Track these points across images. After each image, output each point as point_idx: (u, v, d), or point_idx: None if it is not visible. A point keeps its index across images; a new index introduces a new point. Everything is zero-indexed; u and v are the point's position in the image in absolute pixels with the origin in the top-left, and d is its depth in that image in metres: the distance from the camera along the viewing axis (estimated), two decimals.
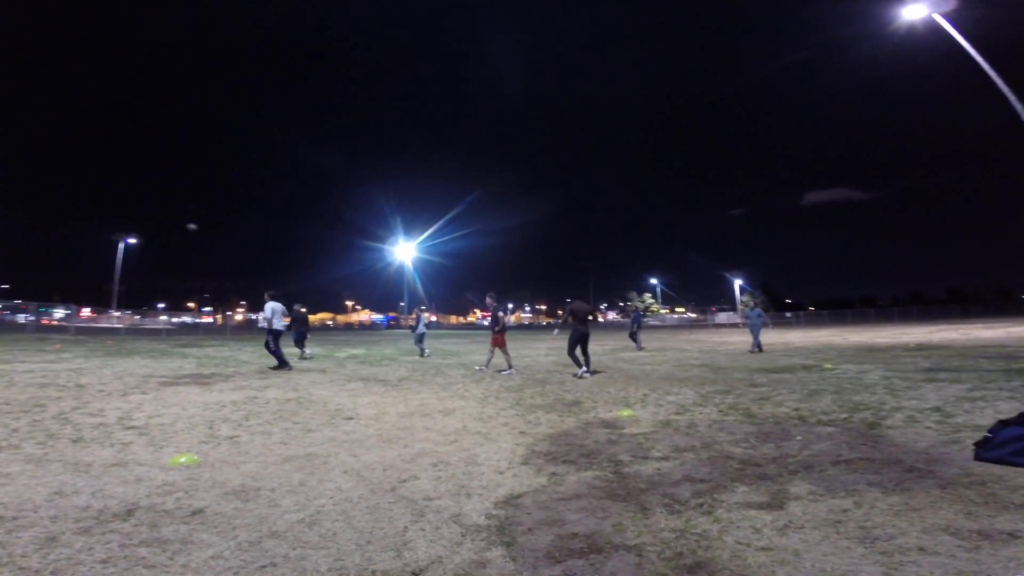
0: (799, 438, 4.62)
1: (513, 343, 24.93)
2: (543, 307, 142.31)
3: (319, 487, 3.45)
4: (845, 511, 2.88)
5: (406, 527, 2.77)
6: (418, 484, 3.52)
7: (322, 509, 3.04)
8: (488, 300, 11.60)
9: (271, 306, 11.55)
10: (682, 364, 12.33)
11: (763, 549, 2.44)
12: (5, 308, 44.73)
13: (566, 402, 6.85)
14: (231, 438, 4.82)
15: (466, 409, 6.42)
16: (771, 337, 25.59)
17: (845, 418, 5.45)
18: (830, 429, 4.96)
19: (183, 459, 4.00)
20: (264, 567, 2.31)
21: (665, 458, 4.07)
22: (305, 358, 14.03)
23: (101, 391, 7.59)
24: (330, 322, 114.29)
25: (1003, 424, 3.79)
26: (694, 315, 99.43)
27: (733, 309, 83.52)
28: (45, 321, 44.35)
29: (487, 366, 11.15)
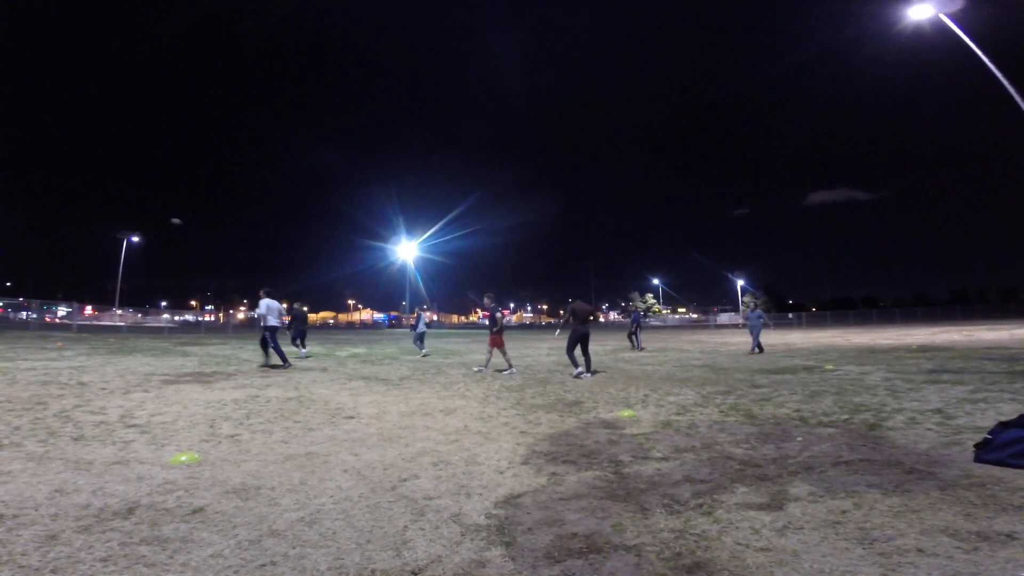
0: (800, 439, 4.62)
1: (515, 343, 24.96)
2: (544, 307, 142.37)
3: (319, 486, 3.46)
4: (844, 512, 2.88)
5: (406, 526, 2.78)
6: (418, 483, 3.52)
7: (322, 508, 3.04)
8: (486, 300, 11.60)
9: (266, 303, 11.61)
10: (683, 365, 12.32)
11: (762, 550, 2.44)
12: (8, 306, 44.89)
13: (567, 402, 6.85)
14: (232, 437, 4.83)
15: (467, 408, 6.43)
16: (772, 338, 25.57)
17: (846, 419, 5.44)
18: (831, 430, 4.96)
19: (184, 457, 4.01)
20: (264, 566, 2.32)
21: (665, 458, 4.08)
22: (301, 357, 14.06)
23: (103, 389, 7.61)
24: (331, 321, 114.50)
25: (1003, 426, 3.79)
26: (695, 315, 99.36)
27: (735, 310, 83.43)
28: (48, 319, 44.52)
29: (486, 366, 11.16)
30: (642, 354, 16.20)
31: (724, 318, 78.98)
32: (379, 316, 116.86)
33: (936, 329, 32.68)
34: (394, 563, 2.36)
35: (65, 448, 4.30)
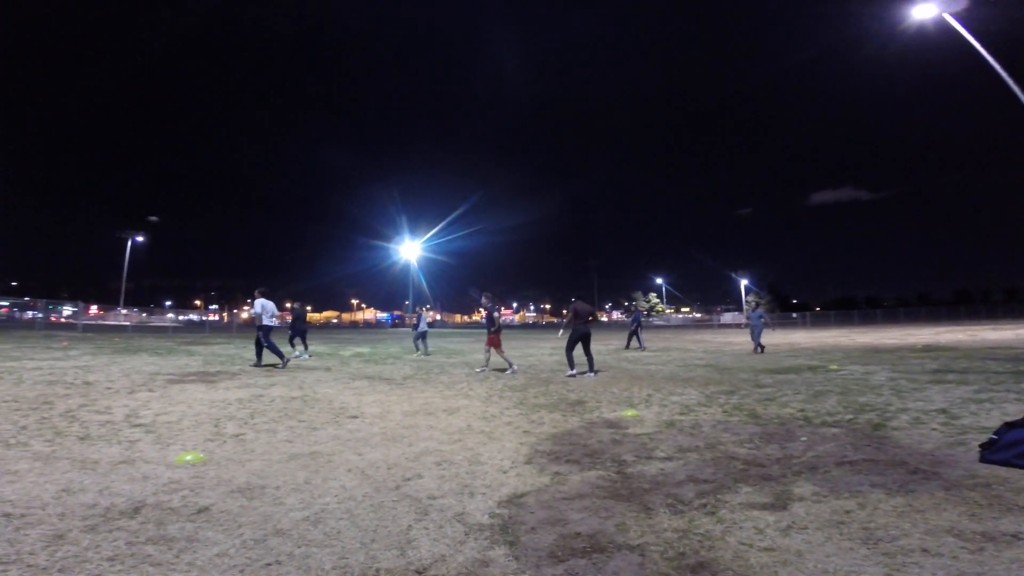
0: (804, 439, 4.61)
1: (517, 342, 24.96)
2: (547, 306, 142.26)
3: (324, 485, 3.47)
4: (848, 512, 2.88)
5: (410, 526, 2.79)
6: (422, 483, 3.53)
7: (327, 507, 3.05)
8: (484, 299, 11.57)
9: (260, 303, 11.68)
10: (687, 364, 12.30)
11: (766, 550, 2.44)
12: (14, 306, 45.10)
13: (570, 402, 6.85)
14: (237, 436, 4.85)
15: (470, 408, 6.44)
16: (776, 338, 25.51)
17: (850, 419, 5.43)
18: (835, 430, 4.95)
19: (189, 457, 4.03)
20: (269, 565, 2.33)
21: (669, 458, 4.08)
22: (297, 356, 14.06)
23: (108, 389, 7.65)
24: (335, 320, 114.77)
25: (1009, 426, 3.78)
26: (699, 315, 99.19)
27: (739, 309, 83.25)
28: (53, 318, 44.67)
29: (487, 366, 11.17)
30: (645, 354, 16.18)
31: (728, 317, 78.84)
32: (382, 315, 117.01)
33: (940, 329, 32.56)
34: (398, 562, 2.37)
35: (71, 447, 4.32)
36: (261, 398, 7.03)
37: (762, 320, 16.15)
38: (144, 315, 52.84)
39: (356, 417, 5.83)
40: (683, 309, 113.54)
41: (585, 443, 4.61)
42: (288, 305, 16.11)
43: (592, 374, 9.82)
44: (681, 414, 5.88)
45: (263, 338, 11.49)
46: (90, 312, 46.86)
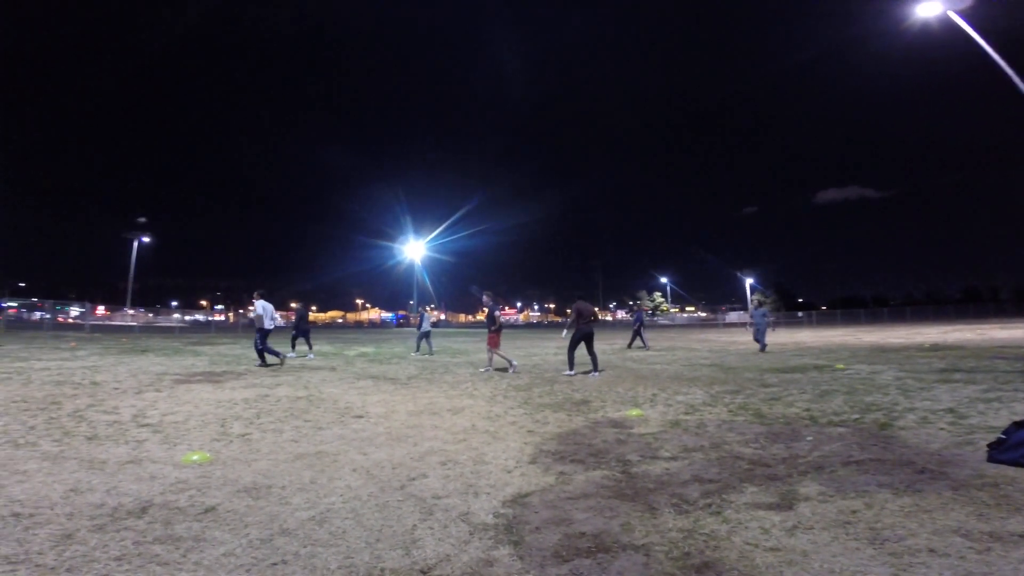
0: (809, 439, 4.60)
1: (522, 341, 24.95)
2: (551, 305, 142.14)
3: (329, 485, 3.48)
4: (855, 512, 2.87)
5: (415, 525, 2.80)
6: (427, 482, 3.54)
7: (332, 507, 3.07)
8: (485, 298, 11.55)
9: (261, 304, 11.73)
10: (692, 364, 12.27)
11: (771, 550, 2.43)
12: (22, 306, 45.42)
13: (574, 401, 6.85)
14: (243, 436, 4.88)
15: (475, 408, 6.44)
16: (782, 337, 25.42)
17: (857, 419, 5.41)
18: (841, 430, 4.93)
19: (196, 457, 4.05)
20: (275, 564, 2.34)
21: (674, 458, 4.07)
22: (291, 357, 14.01)
23: (116, 389, 7.69)
24: (340, 320, 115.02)
25: (1017, 426, 3.75)
26: (704, 314, 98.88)
27: (744, 308, 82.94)
28: (61, 319, 45.00)
29: (491, 365, 11.18)
30: (650, 353, 16.15)
31: (733, 317, 78.56)
32: (387, 315, 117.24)
33: (948, 328, 32.36)
34: (403, 562, 2.37)
35: (79, 447, 4.35)
36: (267, 398, 7.06)
37: (766, 319, 16.09)
38: (151, 315, 53.13)
39: (361, 417, 5.85)
40: (688, 308, 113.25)
41: (590, 443, 4.60)
42: (293, 305, 16.15)
43: (597, 373, 9.81)
44: (686, 414, 5.86)
45: (259, 341, 11.58)
46: (97, 312, 47.17)
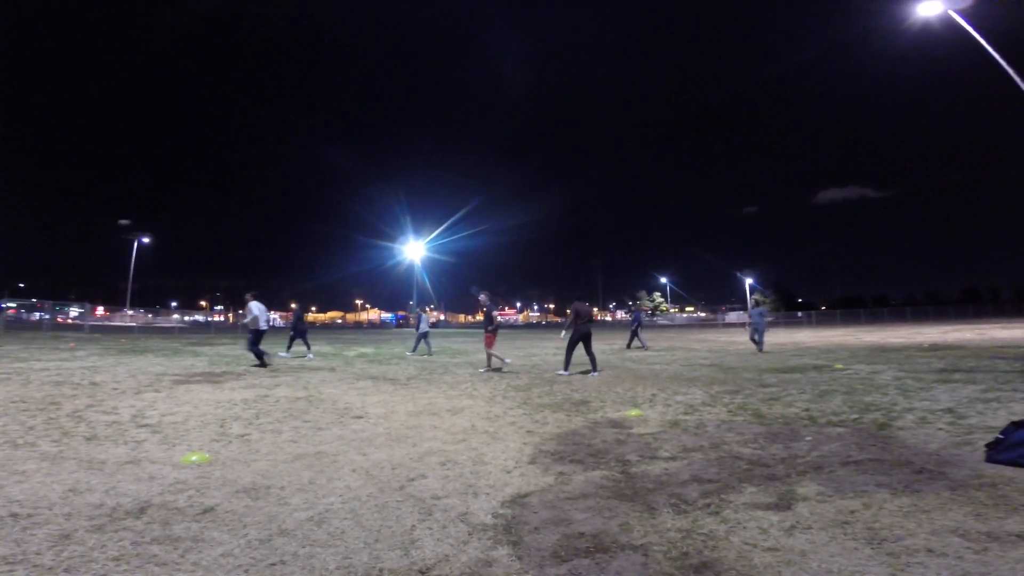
0: (808, 439, 4.60)
1: (521, 342, 24.95)
2: (551, 305, 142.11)
3: (328, 485, 3.48)
4: (853, 512, 2.87)
5: (414, 526, 2.80)
6: (426, 483, 3.54)
7: (331, 507, 3.07)
8: (482, 298, 11.54)
9: (257, 305, 11.72)
10: (691, 364, 12.28)
11: (770, 550, 2.43)
12: (21, 307, 45.43)
13: (574, 401, 6.85)
14: (242, 436, 4.88)
15: (474, 408, 6.45)
16: (781, 337, 25.42)
17: (856, 419, 5.41)
18: (840, 430, 4.93)
19: (195, 457, 4.05)
20: (273, 565, 2.34)
21: (673, 458, 4.07)
22: (282, 357, 14.11)
23: (115, 389, 7.69)
24: (339, 320, 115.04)
25: (1015, 426, 3.75)
26: (704, 314, 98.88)
27: (744, 308, 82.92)
28: (60, 319, 45.02)
29: (489, 365, 11.19)
30: (649, 353, 16.15)
31: (732, 317, 78.58)
32: (387, 316, 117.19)
33: (948, 328, 32.37)
34: (402, 562, 2.37)
35: (78, 448, 4.35)
36: (266, 398, 7.06)
37: (763, 318, 15.99)
38: (150, 316, 53.18)
39: (360, 417, 5.85)
40: (687, 308, 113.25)
41: (589, 443, 4.61)
42: (293, 306, 16.15)
43: (596, 373, 9.83)
44: (685, 414, 5.87)
45: (251, 341, 11.63)
46: (96, 313, 47.19)
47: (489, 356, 11.10)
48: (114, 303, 54.64)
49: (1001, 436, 3.76)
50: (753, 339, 15.66)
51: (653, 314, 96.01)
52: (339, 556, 2.43)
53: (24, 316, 43.44)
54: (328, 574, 2.26)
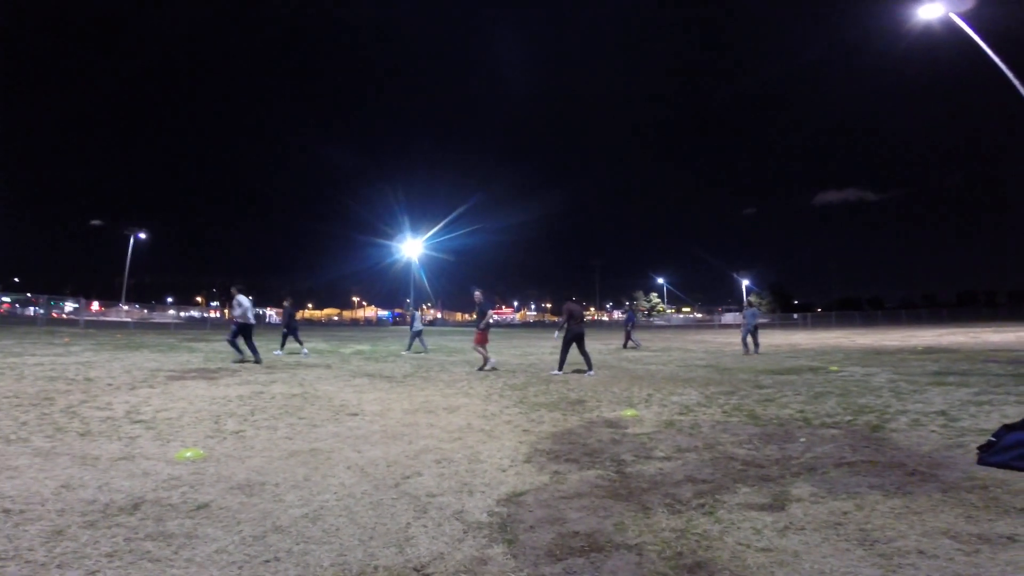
0: (802, 440, 4.62)
1: (519, 341, 24.96)
2: (548, 304, 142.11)
3: (323, 482, 3.48)
4: (846, 513, 2.88)
5: (409, 523, 2.80)
6: (421, 480, 3.54)
7: (326, 504, 3.07)
8: (476, 295, 11.54)
9: (245, 299, 11.75)
10: (687, 364, 12.31)
11: (763, 550, 2.45)
12: (16, 301, 45.25)
13: (570, 401, 6.86)
14: (237, 433, 4.87)
15: (470, 406, 6.45)
16: (777, 338, 25.50)
17: (849, 421, 5.43)
18: (834, 431, 4.95)
19: (189, 453, 4.04)
20: (268, 562, 2.34)
21: (668, 458, 4.08)
22: (279, 353, 14.16)
23: (109, 385, 7.67)
24: (336, 317, 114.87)
25: (1008, 428, 3.78)
26: (700, 315, 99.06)
27: (740, 309, 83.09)
28: (55, 315, 44.78)
29: (492, 366, 11.20)
30: (646, 353, 16.18)
31: (729, 318, 78.70)
32: (384, 313, 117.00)
33: (942, 331, 32.51)
34: (396, 560, 2.37)
35: (72, 443, 4.34)
36: (262, 395, 7.05)
37: (755, 319, 15.87)
38: (146, 311, 52.89)
39: (356, 415, 5.85)
40: (684, 309, 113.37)
41: (584, 442, 4.61)
42: (284, 303, 16.18)
43: (591, 372, 9.86)
44: (680, 414, 5.88)
45: (232, 334, 11.71)
46: (92, 308, 47.03)
47: (485, 352, 11.12)
48: (110, 298, 54.58)
49: (993, 439, 3.78)
50: (745, 341, 15.61)
51: (650, 315, 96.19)
52: (334, 553, 2.43)
53: (19, 311, 43.25)
54: (323, 571, 2.26)
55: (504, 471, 3.78)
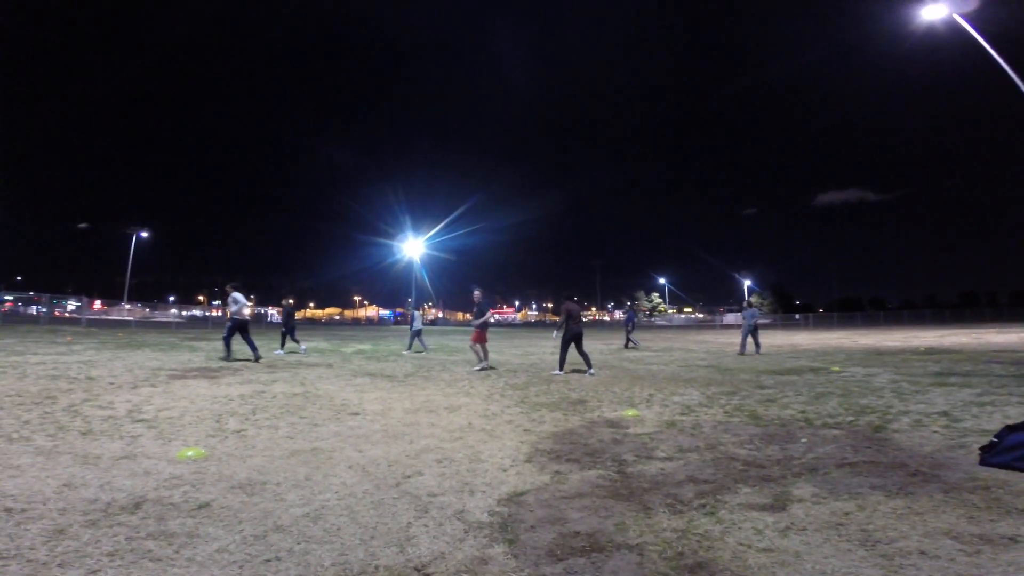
0: (804, 440, 4.61)
1: (520, 340, 24.94)
2: (549, 304, 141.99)
3: (324, 482, 3.48)
4: (847, 514, 2.88)
5: (410, 523, 2.80)
6: (422, 480, 3.54)
7: (327, 504, 3.07)
8: (476, 294, 11.51)
9: (240, 296, 11.79)
10: (688, 365, 12.29)
11: (764, 550, 2.44)
12: (18, 300, 45.32)
13: (571, 401, 6.86)
14: (238, 432, 4.87)
15: (471, 406, 6.45)
16: (779, 339, 25.47)
17: (851, 421, 5.42)
18: (836, 432, 4.94)
19: (190, 452, 4.04)
20: (269, 561, 2.34)
21: (669, 458, 4.08)
22: (294, 352, 14.31)
23: (111, 384, 7.68)
24: (337, 317, 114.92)
25: (1010, 429, 3.77)
26: (701, 315, 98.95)
27: (741, 310, 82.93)
28: (57, 313, 44.84)
29: (487, 363, 11.20)
30: (646, 353, 16.16)
31: (731, 318, 78.62)
32: (385, 312, 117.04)
33: (944, 332, 32.45)
34: (397, 559, 2.37)
35: (73, 442, 4.34)
36: (263, 394, 7.05)
37: (754, 319, 15.73)
38: (147, 310, 52.97)
39: (357, 414, 5.85)
40: (686, 309, 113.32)
41: (586, 442, 4.61)
42: (283, 302, 16.25)
43: (592, 371, 9.88)
44: (682, 414, 5.88)
45: (228, 331, 11.76)
46: (94, 307, 47.13)
47: (485, 352, 11.12)
48: (112, 297, 54.69)
49: (995, 439, 3.78)
50: (744, 342, 15.49)
51: (651, 315, 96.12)
52: (335, 552, 2.43)
53: (21, 309, 43.31)
54: (323, 571, 2.27)
55: (505, 471, 3.78)
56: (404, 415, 5.85)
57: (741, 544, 2.51)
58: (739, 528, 2.71)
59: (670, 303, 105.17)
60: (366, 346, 19.03)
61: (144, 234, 52.62)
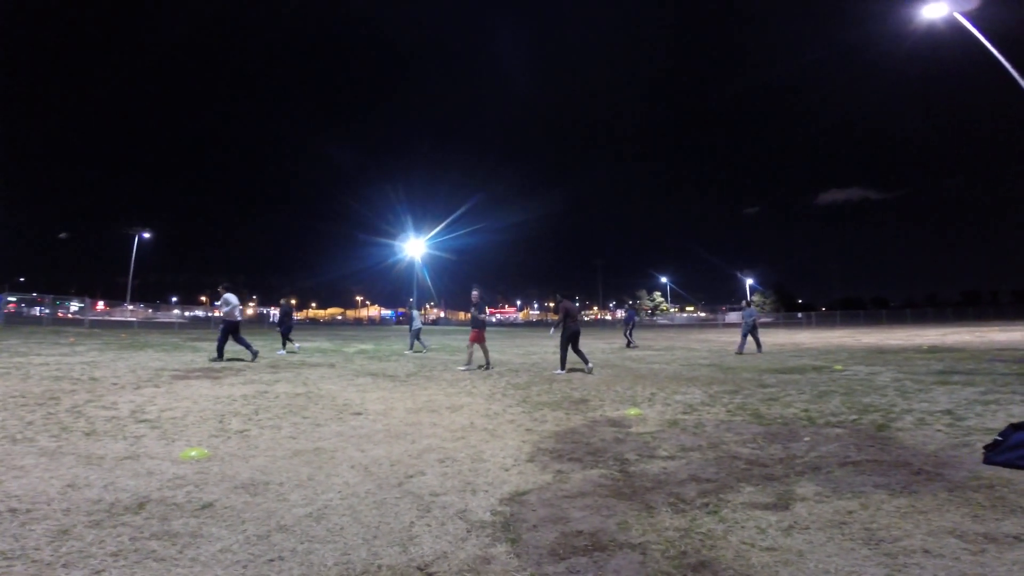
0: (807, 439, 4.60)
1: (521, 339, 24.95)
2: (551, 304, 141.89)
3: (327, 481, 3.48)
4: (851, 512, 2.87)
5: (412, 522, 2.80)
6: (424, 480, 3.54)
7: (329, 503, 3.07)
8: (474, 294, 11.51)
9: (233, 297, 11.81)
10: (690, 363, 12.28)
11: (767, 549, 2.44)
12: (21, 301, 45.40)
13: (573, 400, 6.85)
14: (241, 432, 4.88)
15: (473, 406, 6.45)
16: (781, 338, 25.42)
17: (854, 420, 5.41)
18: (839, 431, 4.94)
19: (194, 453, 4.05)
20: (272, 561, 2.35)
21: (671, 457, 4.07)
22: (293, 351, 14.50)
23: (114, 384, 7.69)
24: (339, 317, 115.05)
25: (1014, 427, 3.76)
26: (704, 314, 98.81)
27: (741, 309, 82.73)
28: (60, 314, 44.91)
29: (489, 364, 11.20)
30: (648, 352, 16.15)
31: (733, 317, 78.47)
32: (387, 312, 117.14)
33: (947, 330, 32.37)
34: (400, 559, 2.38)
35: (77, 443, 4.35)
36: (265, 394, 7.06)
37: (752, 318, 15.64)
38: (150, 311, 53.02)
39: (359, 414, 5.85)
40: (688, 308, 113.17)
41: (588, 441, 4.61)
42: (281, 302, 16.30)
43: (590, 366, 10.01)
44: (684, 413, 5.87)
45: (222, 332, 11.77)
46: (97, 308, 47.21)
47: (486, 352, 11.12)
48: (114, 298, 54.81)
49: (999, 438, 3.76)
50: (743, 341, 15.38)
51: (653, 313, 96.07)
52: (337, 552, 2.43)
53: (24, 310, 43.40)
54: (326, 570, 2.27)
55: (507, 470, 3.78)
56: (406, 415, 5.85)
57: (744, 543, 2.51)
58: (742, 527, 2.70)
59: (672, 302, 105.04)
60: (368, 346, 19.04)
61: (146, 235, 52.69)
